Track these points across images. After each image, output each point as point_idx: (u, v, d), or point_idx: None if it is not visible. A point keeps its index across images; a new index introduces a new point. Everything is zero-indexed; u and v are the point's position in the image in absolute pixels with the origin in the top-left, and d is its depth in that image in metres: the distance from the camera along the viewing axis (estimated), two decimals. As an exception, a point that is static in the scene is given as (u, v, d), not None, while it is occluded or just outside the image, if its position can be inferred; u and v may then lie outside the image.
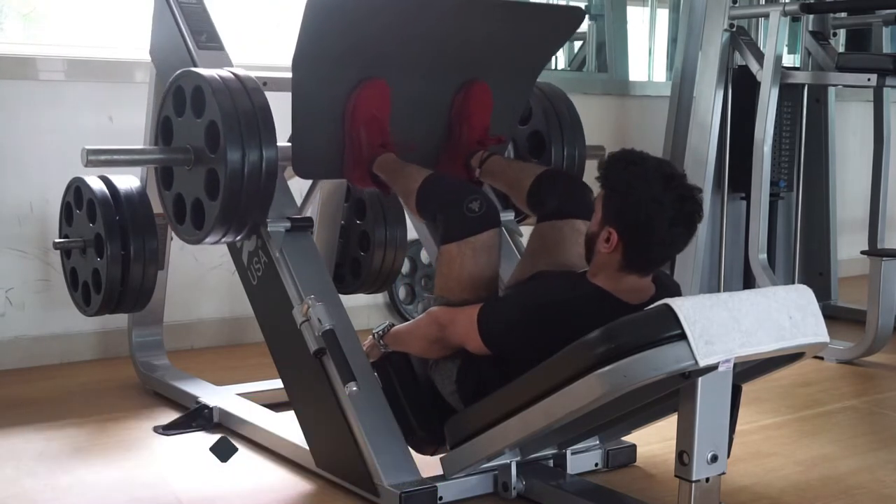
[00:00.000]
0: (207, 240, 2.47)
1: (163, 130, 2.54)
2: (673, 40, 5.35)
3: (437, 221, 2.43)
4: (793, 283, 3.86)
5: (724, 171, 4.24)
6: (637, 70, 5.31)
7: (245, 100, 2.38)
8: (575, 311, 2.12)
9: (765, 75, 3.94)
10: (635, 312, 1.98)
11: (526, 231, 2.73)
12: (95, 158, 2.46)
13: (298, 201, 2.67)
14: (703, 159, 4.13)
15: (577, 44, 5.37)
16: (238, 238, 2.51)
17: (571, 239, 2.39)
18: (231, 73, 2.45)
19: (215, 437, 2.58)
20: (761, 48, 4.12)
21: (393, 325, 2.48)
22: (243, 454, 2.68)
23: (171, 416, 2.96)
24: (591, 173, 2.27)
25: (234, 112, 2.35)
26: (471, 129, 2.75)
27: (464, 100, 2.75)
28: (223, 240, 2.49)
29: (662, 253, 2.14)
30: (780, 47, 3.94)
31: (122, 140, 3.47)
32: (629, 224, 2.10)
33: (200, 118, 2.42)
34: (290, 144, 2.60)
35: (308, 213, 2.81)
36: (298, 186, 2.87)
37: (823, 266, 4.76)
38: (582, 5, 5.28)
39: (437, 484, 2.30)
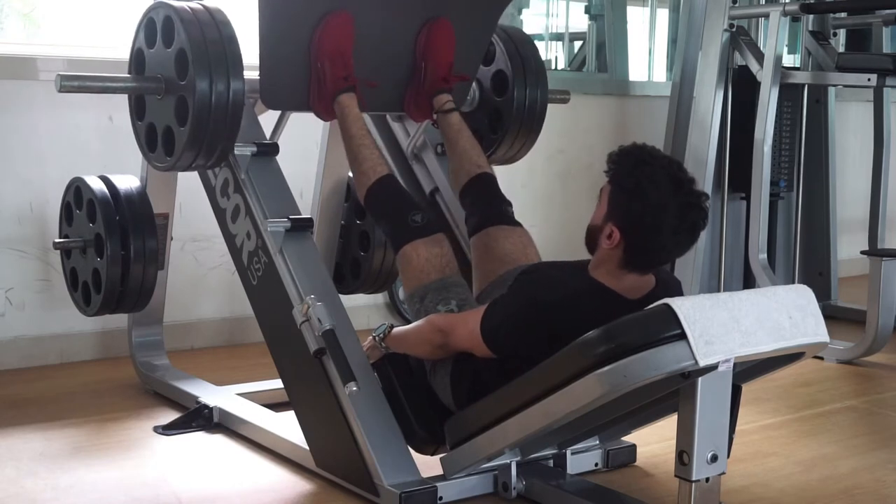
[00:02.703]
0: (178, 165, 2.51)
1: (135, 61, 2.59)
2: (673, 40, 5.35)
3: (381, 226, 2.67)
4: (793, 283, 3.86)
5: (724, 171, 4.24)
6: (637, 70, 5.31)
7: (213, 30, 2.43)
8: (575, 308, 2.12)
9: (765, 75, 3.94)
10: (635, 308, 1.99)
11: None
12: (69, 84, 2.49)
13: (300, 204, 2.66)
14: (703, 159, 4.13)
15: (577, 44, 5.37)
16: (207, 164, 2.54)
17: (502, 236, 2.57)
18: (201, 5, 2.50)
19: (215, 437, 2.57)
20: (761, 48, 4.12)
21: (393, 326, 2.48)
22: (243, 454, 2.69)
23: (171, 416, 2.96)
24: (587, 169, 2.26)
25: (202, 41, 2.41)
26: (435, 67, 2.79)
27: (427, 37, 2.78)
28: (193, 165, 2.53)
29: (663, 256, 2.15)
30: (780, 47, 3.94)
31: (123, 142, 3.47)
32: (633, 225, 2.10)
33: (170, 48, 2.46)
34: (258, 77, 2.63)
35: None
36: (297, 185, 2.86)
37: (823, 266, 4.76)
38: (582, 5, 5.28)
39: (437, 484, 2.30)
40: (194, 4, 2.49)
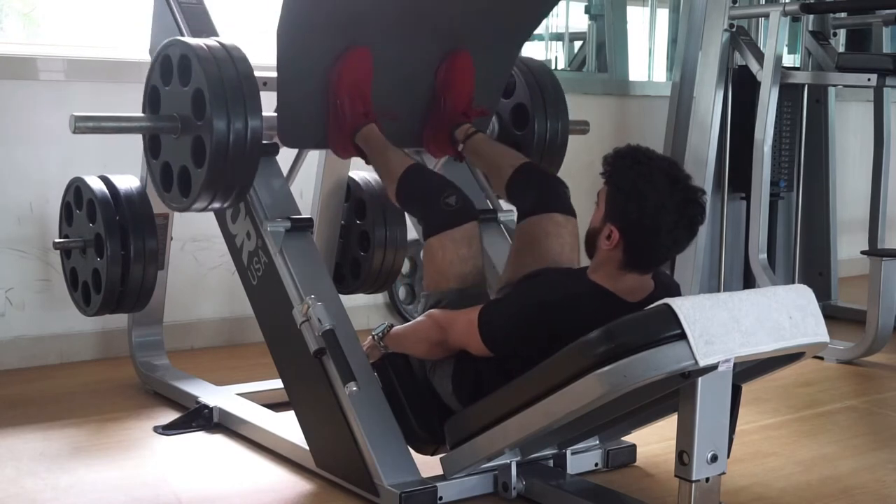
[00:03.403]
0: (195, 206, 2.49)
1: (150, 99, 2.56)
2: (673, 40, 5.34)
3: (415, 214, 2.57)
4: (793, 283, 3.86)
5: (724, 171, 4.24)
6: (637, 70, 5.31)
7: (231, 68, 2.40)
8: (574, 309, 2.12)
9: (765, 75, 3.94)
10: (634, 310, 1.98)
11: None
12: (83, 125, 2.48)
13: (300, 204, 2.66)
14: (703, 159, 4.13)
15: (577, 44, 5.37)
16: (224, 205, 2.52)
17: (553, 233, 2.44)
18: (217, 42, 2.47)
19: (215, 437, 2.57)
20: (761, 48, 4.12)
21: (392, 325, 2.48)
22: (243, 454, 2.69)
23: (171, 416, 2.96)
24: (586, 168, 2.26)
25: (219, 80, 2.37)
26: (455, 100, 2.76)
27: (447, 70, 2.75)
28: (210, 207, 2.50)
29: (663, 254, 2.15)
30: (780, 47, 3.94)
31: (123, 141, 3.48)
32: (632, 224, 2.10)
33: (187, 86, 2.44)
34: (275, 114, 2.61)
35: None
36: (297, 185, 2.86)
37: (823, 266, 4.76)
38: (582, 5, 5.28)
39: (437, 484, 2.30)
40: (211, 42, 2.46)
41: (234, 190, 2.46)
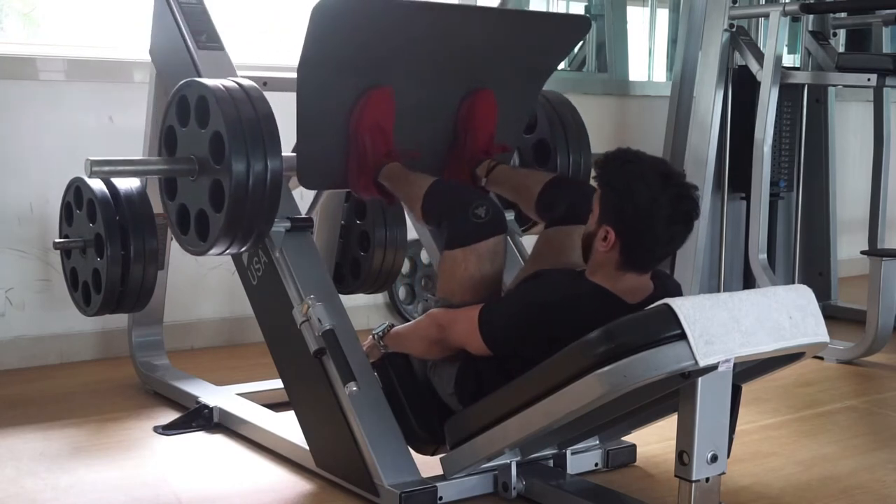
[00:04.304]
0: (212, 251, 2.43)
1: (166, 140, 2.49)
2: (673, 40, 5.34)
3: (443, 227, 2.43)
4: (793, 283, 3.86)
5: (724, 171, 4.24)
6: (637, 70, 5.31)
7: (249, 109, 2.34)
8: (574, 309, 2.12)
9: (765, 75, 3.94)
10: (634, 311, 1.99)
11: (529, 241, 2.71)
12: (99, 170, 2.42)
13: (300, 203, 2.66)
14: (703, 159, 4.13)
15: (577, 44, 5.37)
16: (243, 249, 2.47)
17: (578, 247, 2.33)
18: (235, 82, 2.41)
19: (215, 437, 2.57)
20: (761, 48, 4.12)
21: (392, 325, 2.48)
22: (243, 454, 2.69)
23: (171, 416, 2.96)
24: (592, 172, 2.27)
25: (238, 122, 2.31)
26: (476, 138, 2.73)
27: (469, 108, 2.74)
28: (228, 251, 2.45)
29: (660, 251, 2.15)
30: (780, 47, 3.94)
31: (123, 140, 3.48)
32: (627, 222, 2.10)
33: (205, 129, 2.37)
34: (294, 154, 2.57)
35: (297, 189, 2.81)
36: (298, 188, 2.86)
37: (823, 266, 4.76)
38: (582, 6, 5.28)
39: (437, 484, 2.30)
40: (228, 82, 2.40)
41: (253, 233, 2.40)
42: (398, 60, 2.58)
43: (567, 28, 2.85)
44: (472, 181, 2.72)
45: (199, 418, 2.89)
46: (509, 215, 2.88)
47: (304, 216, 2.57)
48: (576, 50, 5.36)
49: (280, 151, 2.36)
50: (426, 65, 2.64)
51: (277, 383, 2.80)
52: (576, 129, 2.95)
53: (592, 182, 2.49)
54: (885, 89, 4.19)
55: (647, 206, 2.08)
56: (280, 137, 2.37)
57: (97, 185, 2.88)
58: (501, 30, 2.68)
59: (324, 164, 2.60)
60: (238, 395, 3.03)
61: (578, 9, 5.29)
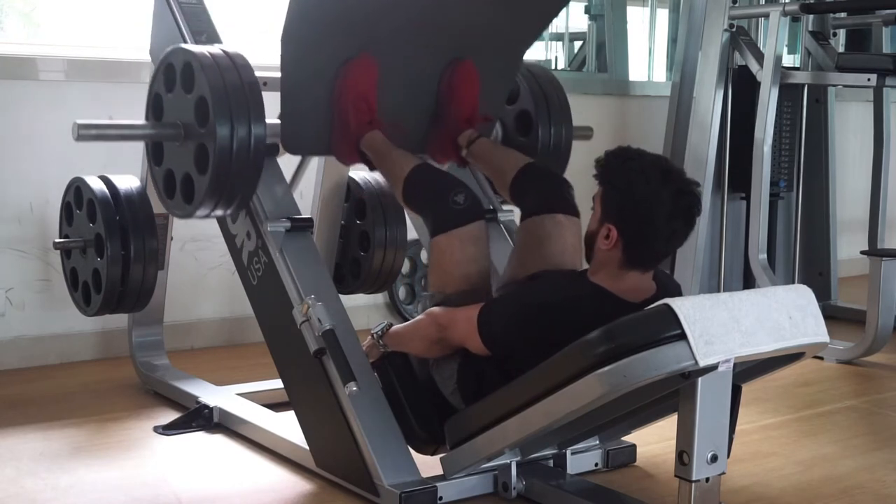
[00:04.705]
0: (198, 213, 2.49)
1: (153, 106, 2.55)
2: (673, 40, 5.35)
3: (424, 214, 2.53)
4: (793, 283, 3.86)
5: (724, 171, 4.24)
6: (637, 70, 5.31)
7: (234, 75, 2.40)
8: (575, 310, 2.12)
9: (765, 75, 3.94)
10: (636, 311, 1.98)
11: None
12: (86, 133, 2.47)
13: (300, 204, 2.66)
14: (703, 159, 4.13)
15: (577, 44, 5.37)
16: (227, 212, 2.52)
17: (555, 234, 2.43)
18: (221, 49, 2.47)
19: (215, 437, 2.57)
20: (761, 48, 4.12)
21: (392, 324, 2.48)
22: (243, 454, 2.69)
23: (171, 416, 2.96)
24: (586, 170, 2.27)
25: (223, 87, 2.37)
26: (459, 108, 2.76)
27: (451, 78, 2.76)
28: (213, 213, 2.51)
29: (662, 247, 2.15)
30: (780, 47, 3.94)
31: (124, 142, 3.48)
32: (628, 219, 2.11)
33: (190, 94, 2.44)
34: (279, 121, 2.61)
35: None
36: (298, 188, 2.86)
37: (823, 266, 4.76)
38: (582, 5, 5.28)
39: (437, 484, 2.30)
40: (214, 49, 2.46)
41: (237, 197, 2.46)
42: (381, 30, 2.60)
43: None
44: (455, 150, 2.76)
45: (199, 418, 2.89)
46: (509, 215, 2.89)
47: (304, 216, 2.57)
48: (576, 50, 5.37)
49: (264, 116, 2.42)
50: (408, 34, 2.65)
51: (277, 383, 2.80)
52: (558, 102, 2.96)
53: (566, 179, 2.57)
54: (885, 89, 4.19)
55: (647, 202, 2.08)
56: (263, 103, 2.42)
57: (97, 184, 2.88)
58: (482, 0, 2.70)
59: (307, 131, 2.64)
60: (238, 395, 3.03)
61: (578, 8, 5.30)
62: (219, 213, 2.51)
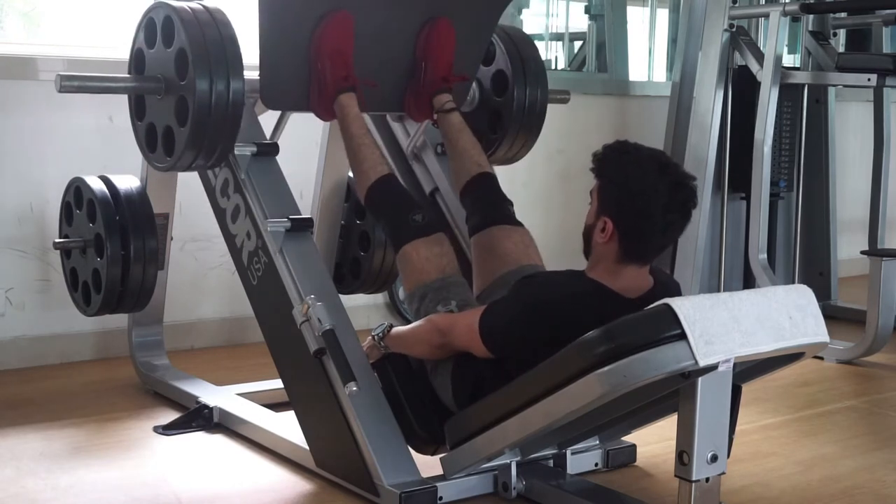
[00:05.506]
0: (178, 165, 2.52)
1: (135, 61, 2.60)
2: (673, 40, 5.35)
3: (383, 225, 2.65)
4: (793, 283, 3.86)
5: (724, 171, 4.24)
6: (637, 70, 5.31)
7: (213, 30, 2.44)
8: (576, 308, 2.12)
9: (765, 75, 3.94)
10: (634, 307, 1.99)
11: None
12: (69, 84, 2.50)
13: (300, 204, 2.66)
14: (703, 159, 4.13)
15: (577, 44, 5.37)
16: (207, 164, 2.55)
17: (504, 236, 2.57)
18: (201, 4, 2.51)
19: (215, 437, 2.57)
20: (761, 48, 4.12)
21: (392, 325, 2.48)
22: (243, 454, 2.69)
23: (171, 416, 2.96)
24: (584, 166, 2.27)
25: (202, 41, 2.41)
26: (435, 66, 2.79)
27: (427, 36, 2.78)
28: (193, 165, 2.53)
29: (658, 240, 2.15)
30: (780, 47, 3.94)
31: (122, 140, 3.47)
32: (625, 212, 2.12)
33: (170, 48, 2.47)
34: (258, 76, 2.63)
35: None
36: (297, 185, 2.86)
37: (823, 266, 4.76)
38: (582, 5, 5.28)
39: (437, 484, 2.30)
40: (194, 4, 2.50)
41: (217, 148, 2.49)
42: None
43: None
44: (432, 109, 2.81)
45: (199, 418, 2.89)
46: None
47: (304, 216, 2.57)
48: (576, 50, 5.37)
49: (242, 70, 2.46)
50: None
51: (277, 383, 2.80)
52: (534, 64, 2.99)
53: (504, 195, 2.70)
54: (885, 89, 4.19)
55: (644, 194, 2.09)
56: (242, 57, 2.46)
57: (97, 184, 2.88)
58: None
59: (286, 85, 2.67)
60: (238, 395, 3.02)
61: (578, 8, 5.30)
62: (200, 163, 2.54)
